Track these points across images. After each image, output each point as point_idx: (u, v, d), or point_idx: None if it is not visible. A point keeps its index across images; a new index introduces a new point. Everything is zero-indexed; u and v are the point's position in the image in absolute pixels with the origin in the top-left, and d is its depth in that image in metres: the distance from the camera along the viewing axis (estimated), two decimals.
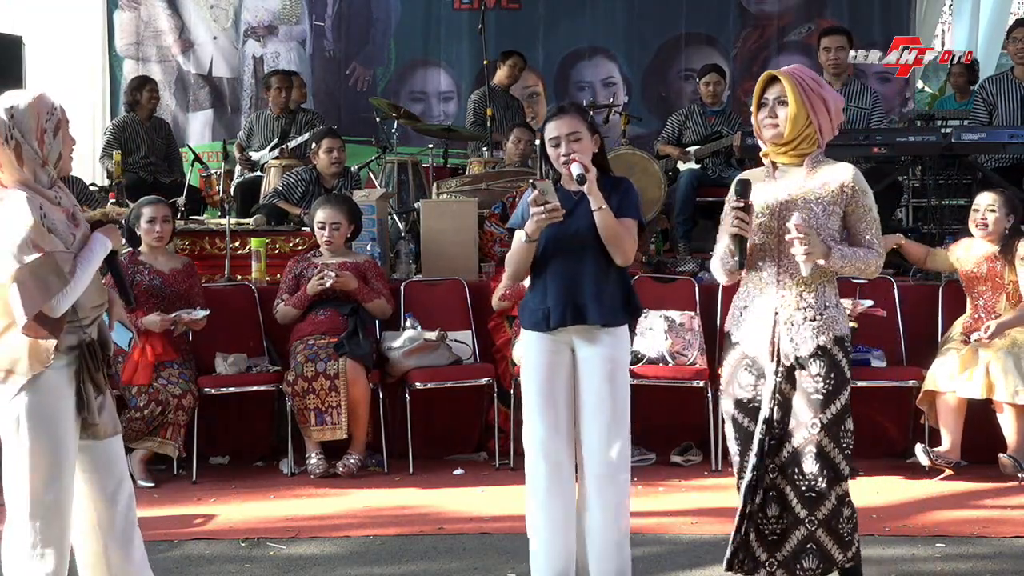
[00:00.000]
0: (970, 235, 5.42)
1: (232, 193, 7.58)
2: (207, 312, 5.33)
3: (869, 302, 5.35)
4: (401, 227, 6.79)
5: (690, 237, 7.23)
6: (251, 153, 7.99)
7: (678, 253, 7.18)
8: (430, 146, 7.91)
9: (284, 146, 7.80)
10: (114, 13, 9.62)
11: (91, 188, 7.18)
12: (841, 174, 3.28)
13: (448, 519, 4.57)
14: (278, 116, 8.04)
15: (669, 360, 5.34)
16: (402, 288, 5.85)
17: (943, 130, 6.35)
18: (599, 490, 3.47)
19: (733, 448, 3.39)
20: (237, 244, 6.17)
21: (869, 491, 4.82)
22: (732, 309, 3.42)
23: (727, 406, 3.39)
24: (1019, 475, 5.00)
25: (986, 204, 5.31)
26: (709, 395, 5.26)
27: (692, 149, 7.61)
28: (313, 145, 6.82)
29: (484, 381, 5.53)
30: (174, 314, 5.27)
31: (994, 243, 5.31)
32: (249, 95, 9.79)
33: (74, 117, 3.21)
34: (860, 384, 5.05)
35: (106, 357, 3.14)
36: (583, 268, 3.48)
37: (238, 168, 8.03)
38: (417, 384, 5.40)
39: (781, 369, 3.27)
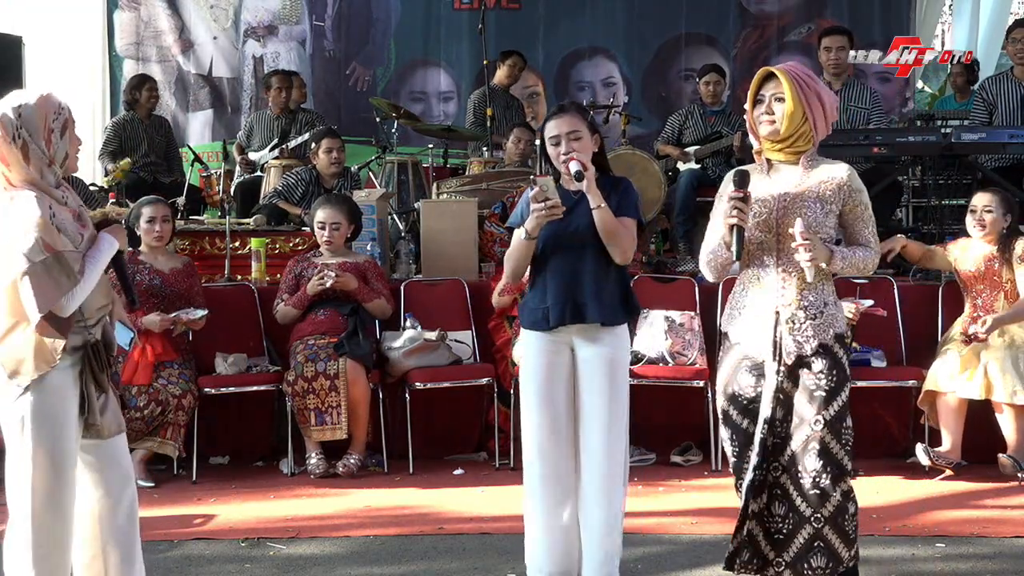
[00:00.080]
0: (968, 235, 5.43)
1: (232, 193, 7.58)
2: (206, 312, 5.33)
3: (869, 302, 5.36)
4: (401, 227, 6.79)
5: (690, 237, 7.23)
6: (251, 153, 8.00)
7: (678, 253, 7.18)
8: (430, 146, 7.91)
9: (284, 146, 7.80)
10: (114, 13, 9.62)
11: (91, 188, 7.18)
12: (838, 173, 3.29)
13: (448, 519, 4.57)
14: (278, 116, 8.04)
15: (669, 360, 5.34)
16: (402, 288, 5.85)
17: (943, 130, 6.35)
18: (597, 490, 3.46)
19: (728, 448, 3.39)
20: (237, 244, 6.17)
21: (869, 491, 4.81)
22: (728, 308, 3.42)
23: (724, 406, 3.39)
24: (1019, 475, 5.00)
25: (983, 205, 5.31)
26: (709, 395, 5.25)
27: (692, 149, 7.61)
28: (313, 145, 6.82)
29: (484, 381, 5.53)
30: (173, 314, 5.27)
31: (992, 243, 5.31)
32: (249, 95, 9.79)
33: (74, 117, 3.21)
34: (860, 384, 5.06)
35: (110, 358, 3.14)
36: (583, 267, 3.48)
37: (238, 168, 8.04)
38: (417, 384, 5.40)
39: (783, 368, 3.27)
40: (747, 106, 3.33)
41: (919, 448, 5.11)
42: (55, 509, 2.98)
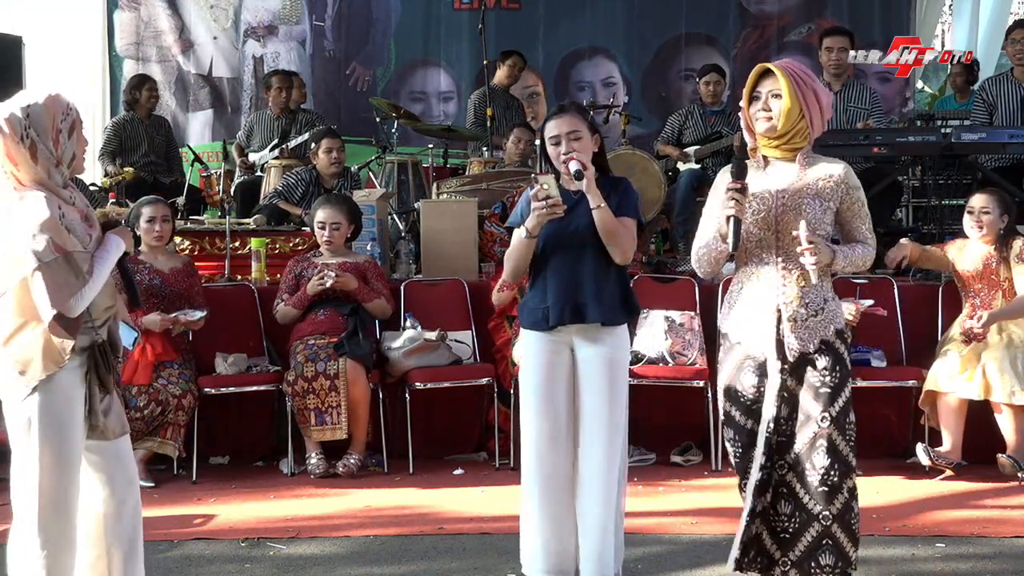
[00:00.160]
0: (966, 236, 5.43)
1: (232, 193, 7.58)
2: (205, 312, 5.32)
3: (869, 301, 5.36)
4: (401, 227, 6.79)
5: (690, 237, 7.14)
6: (251, 153, 8.00)
7: (678, 253, 7.18)
8: (430, 146, 7.91)
9: (284, 146, 7.80)
10: (114, 13, 9.63)
11: (91, 188, 7.18)
12: (835, 170, 3.30)
13: (448, 519, 4.57)
14: (278, 116, 8.04)
15: (669, 360, 5.34)
16: (402, 288, 5.85)
17: (943, 130, 6.35)
18: (595, 490, 3.46)
19: (731, 449, 3.38)
20: (237, 244, 6.17)
21: (869, 491, 4.81)
22: (726, 306, 3.41)
23: (727, 407, 3.38)
24: (1019, 475, 5.00)
25: (980, 206, 5.32)
26: (709, 395, 5.26)
27: (692, 149, 7.61)
28: (313, 145, 6.83)
29: (484, 381, 5.53)
30: (172, 315, 5.27)
31: (990, 243, 5.31)
32: (249, 95, 9.80)
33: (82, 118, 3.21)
34: (860, 384, 5.06)
35: (116, 359, 3.14)
36: (583, 267, 3.48)
37: (238, 169, 8.04)
38: (417, 384, 5.40)
39: (786, 366, 3.26)
40: (743, 103, 3.33)
41: (919, 448, 5.11)
42: (61, 509, 2.98)
